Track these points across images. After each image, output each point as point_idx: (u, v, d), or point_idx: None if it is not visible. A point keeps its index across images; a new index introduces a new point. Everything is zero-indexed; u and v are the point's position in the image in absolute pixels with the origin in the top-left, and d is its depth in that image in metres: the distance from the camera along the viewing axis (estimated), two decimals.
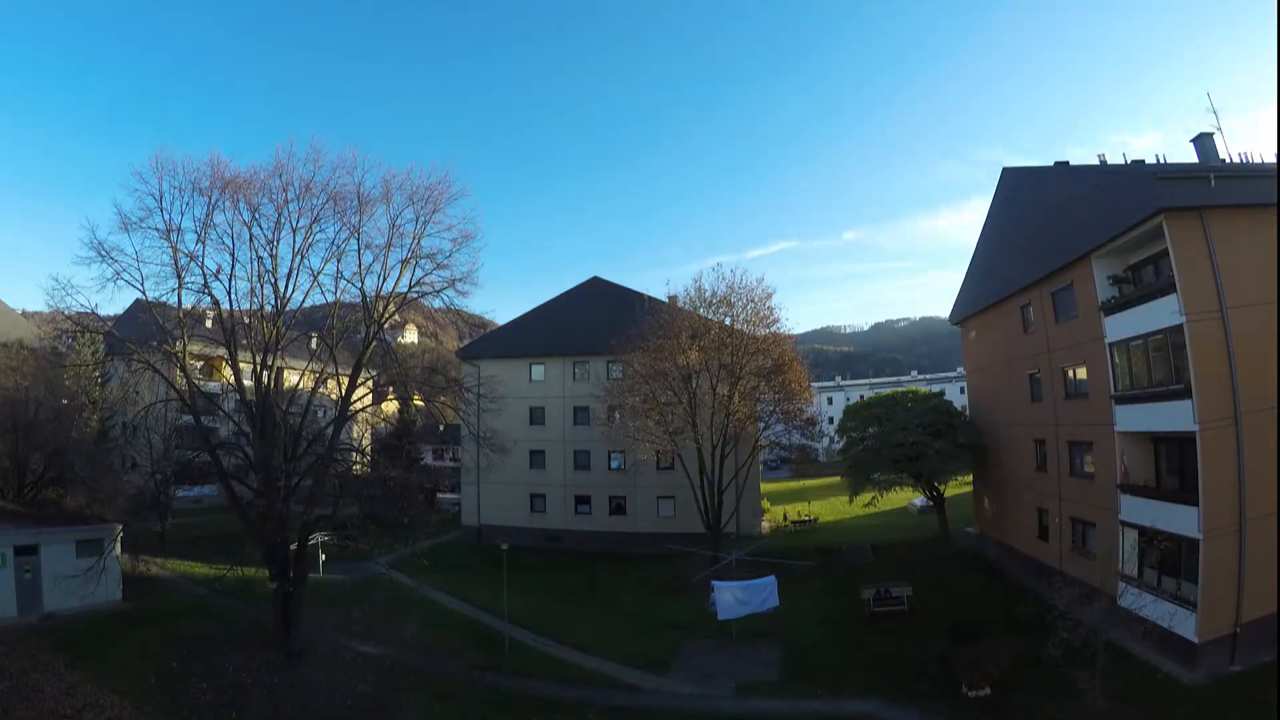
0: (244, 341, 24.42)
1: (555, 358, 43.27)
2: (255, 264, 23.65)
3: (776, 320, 36.98)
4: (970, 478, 36.23)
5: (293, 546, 23.35)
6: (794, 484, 66.72)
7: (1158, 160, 22.66)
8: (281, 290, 23.90)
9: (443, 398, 29.30)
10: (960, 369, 65.27)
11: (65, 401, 35.30)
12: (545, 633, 26.07)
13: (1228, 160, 21.25)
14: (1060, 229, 25.13)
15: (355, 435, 35.54)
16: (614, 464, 41.20)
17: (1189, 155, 22.02)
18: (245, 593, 28.11)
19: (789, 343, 40.09)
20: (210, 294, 23.64)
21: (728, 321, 36.40)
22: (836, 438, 40.97)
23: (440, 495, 51.62)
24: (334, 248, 24.39)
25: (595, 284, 46.59)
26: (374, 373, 27.26)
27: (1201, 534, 17.61)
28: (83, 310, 23.15)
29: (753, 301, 36.38)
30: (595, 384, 41.28)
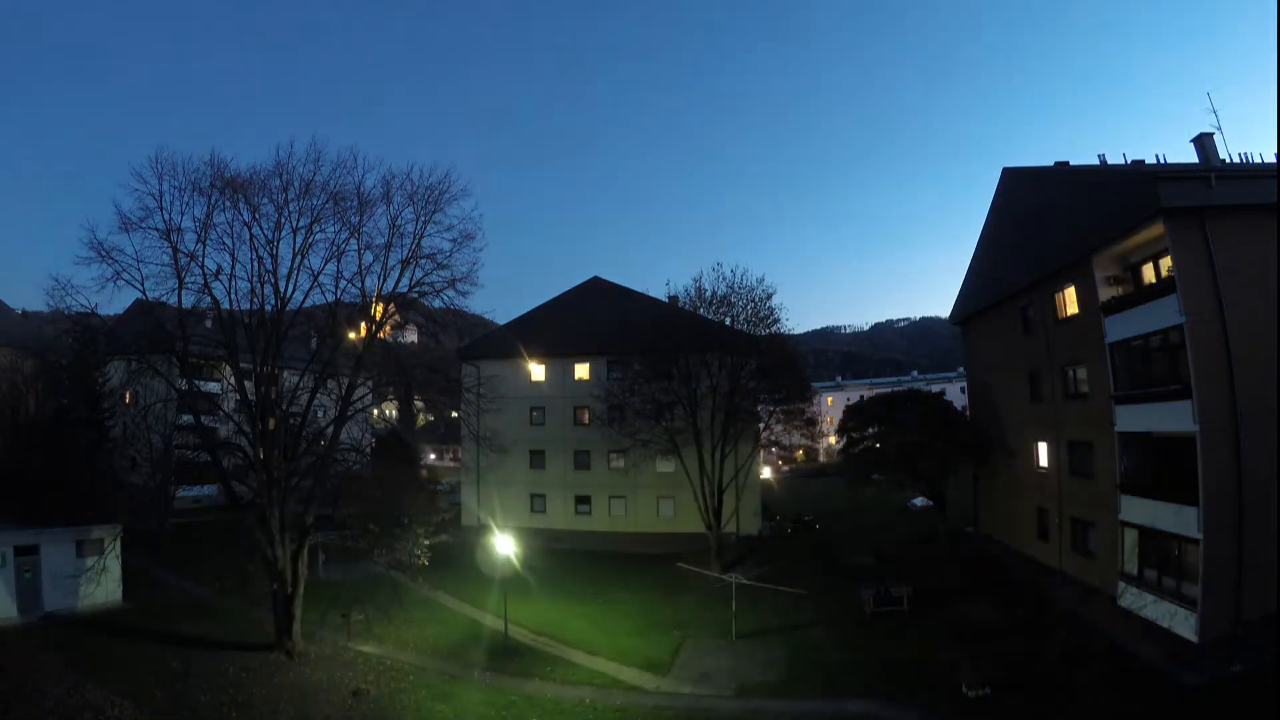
0: (244, 341, 24.41)
1: (555, 358, 43.24)
2: (255, 264, 23.61)
3: (777, 320, 37.05)
4: (970, 477, 36.23)
5: (292, 546, 23.36)
6: (794, 484, 66.69)
7: (1158, 160, 22.65)
8: (281, 290, 23.86)
9: (442, 398, 29.31)
10: (960, 369, 65.28)
11: (65, 401, 35.31)
12: (545, 633, 26.06)
13: (1228, 160, 21.24)
14: (1060, 229, 25.14)
15: (355, 435, 35.57)
16: (614, 464, 41.17)
17: (1189, 155, 22.01)
18: (245, 593, 28.07)
19: (789, 343, 40.13)
20: (210, 294, 23.60)
21: (728, 322, 36.42)
22: (836, 438, 40.94)
23: (440, 495, 51.62)
24: (334, 248, 24.32)
25: (595, 284, 46.57)
26: (374, 373, 27.21)
27: (1201, 534, 17.61)
28: (83, 310, 23.12)
29: (753, 302, 36.44)
30: (595, 384, 41.27)
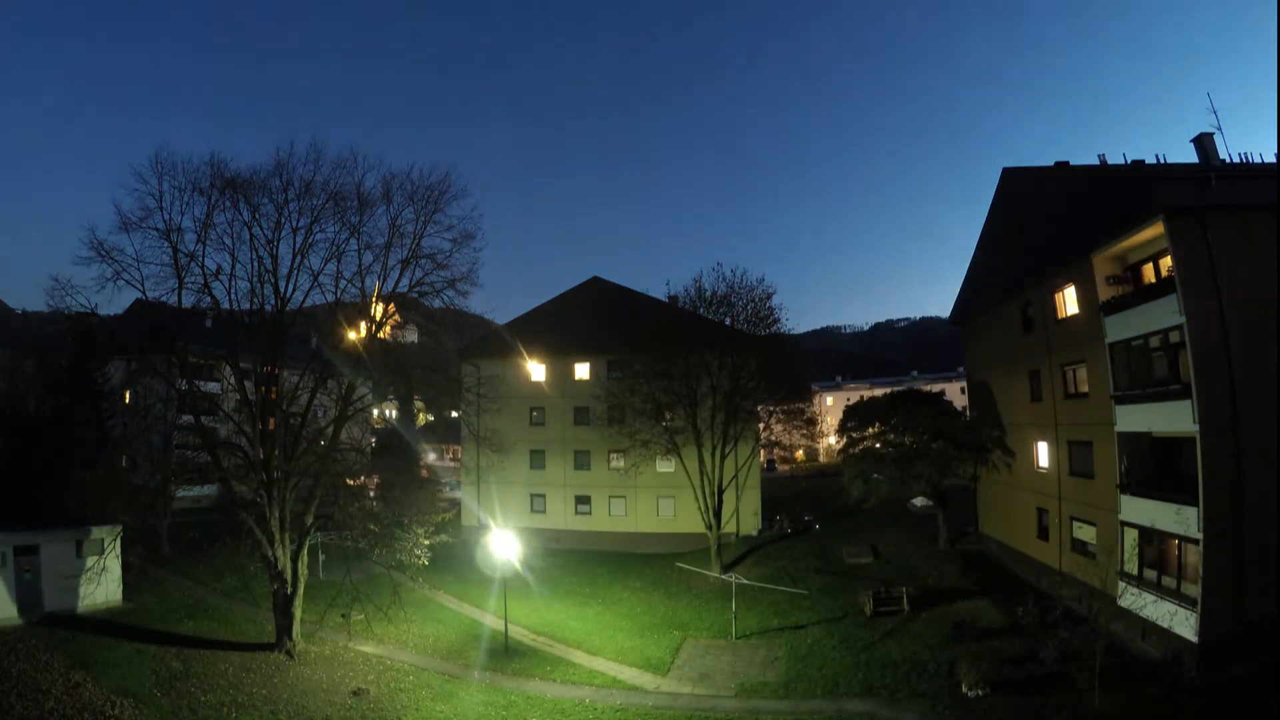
0: (244, 341, 24.42)
1: (555, 358, 43.25)
2: (255, 264, 23.65)
3: (777, 320, 37.00)
4: (971, 477, 36.23)
5: (292, 546, 23.37)
6: (793, 484, 66.66)
7: (1158, 160, 22.65)
8: (282, 290, 23.91)
9: (443, 398, 29.35)
10: (960, 369, 65.22)
11: (65, 401, 35.28)
12: (545, 633, 26.08)
13: (1228, 160, 21.24)
14: (1060, 229, 25.13)
15: (355, 435, 35.62)
16: (614, 464, 41.17)
17: (1189, 155, 22.00)
18: (245, 593, 28.12)
19: (789, 343, 40.07)
20: (210, 294, 23.65)
21: (728, 322, 36.39)
22: (837, 438, 40.91)
23: (440, 495, 51.66)
24: (334, 248, 24.39)
25: (595, 284, 46.57)
26: (374, 373, 27.23)
27: (1201, 534, 17.61)
28: (83, 310, 23.12)
29: (753, 301, 36.39)
30: (595, 384, 41.25)
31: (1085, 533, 24.08)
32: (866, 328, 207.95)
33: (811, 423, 41.96)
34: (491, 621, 26.66)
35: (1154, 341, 19.86)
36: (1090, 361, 23.55)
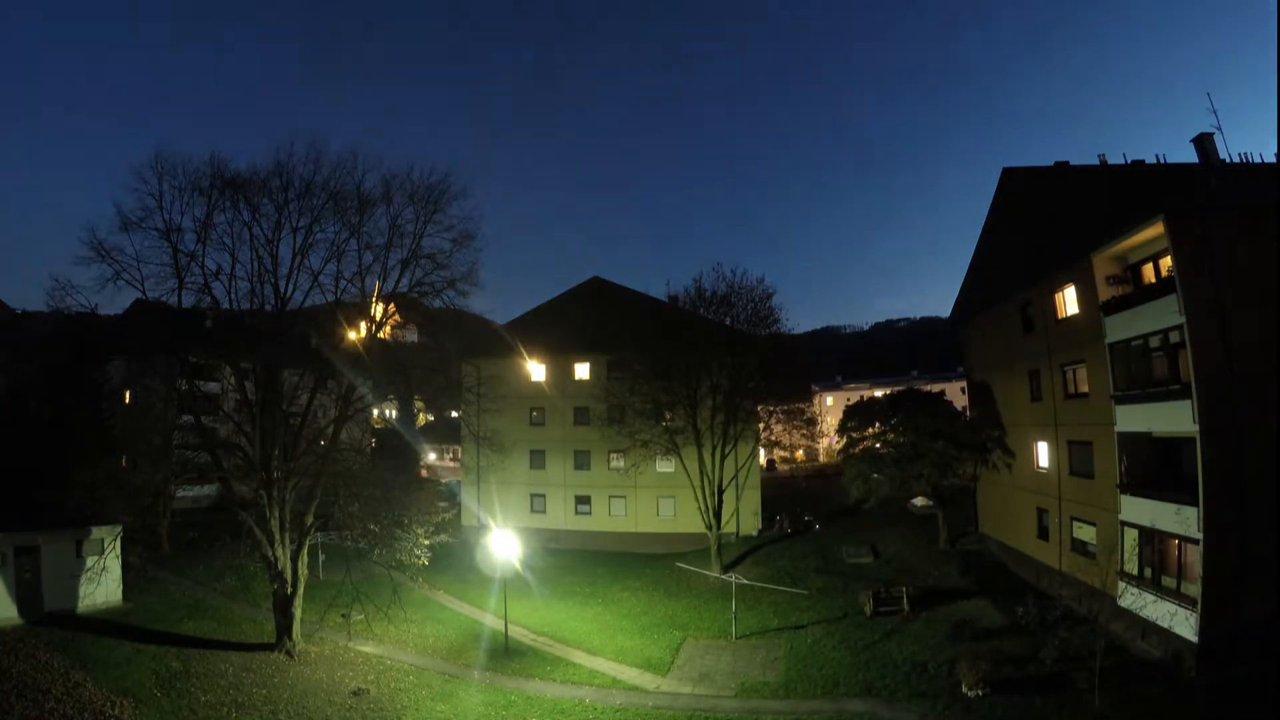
0: (244, 341, 24.41)
1: (555, 358, 43.26)
2: (255, 264, 23.63)
3: (777, 320, 37.02)
4: (971, 477, 36.26)
5: (292, 546, 23.37)
6: (793, 484, 66.63)
7: (1158, 160, 22.69)
8: (282, 290, 23.90)
9: (443, 398, 29.35)
10: (960, 369, 65.26)
11: (66, 401, 35.29)
12: (545, 633, 26.08)
13: (1228, 160, 21.27)
14: (1060, 229, 25.13)
15: (355, 435, 35.71)
16: (614, 464, 41.16)
17: (1189, 155, 22.04)
18: (245, 593, 28.13)
19: (789, 343, 40.07)
20: (210, 294, 23.63)
21: (728, 322, 36.40)
22: (837, 438, 40.92)
23: (440, 494, 51.65)
24: (334, 248, 24.38)
25: (595, 284, 46.56)
26: (374, 373, 27.25)
27: (1201, 534, 17.61)
28: (83, 310, 23.10)
29: (753, 301, 36.40)
30: (595, 384, 41.25)
31: (1085, 533, 24.08)
32: (866, 328, 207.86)
33: (811, 423, 42.07)
34: (491, 621, 26.66)
35: (1154, 341, 19.86)
36: (1090, 361, 23.55)
